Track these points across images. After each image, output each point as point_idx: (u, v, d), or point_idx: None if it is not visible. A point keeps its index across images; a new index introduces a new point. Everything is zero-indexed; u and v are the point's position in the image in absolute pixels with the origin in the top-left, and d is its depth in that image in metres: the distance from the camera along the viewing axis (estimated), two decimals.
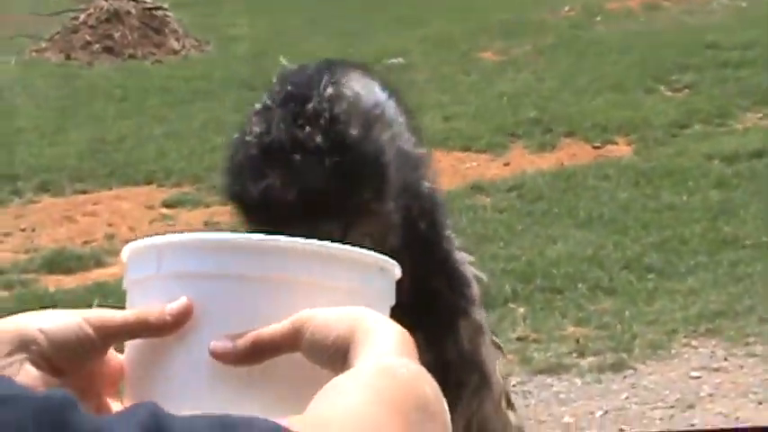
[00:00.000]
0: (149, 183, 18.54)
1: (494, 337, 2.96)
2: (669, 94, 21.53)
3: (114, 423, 1.14)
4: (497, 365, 2.94)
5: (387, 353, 1.53)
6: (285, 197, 2.41)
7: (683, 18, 29.17)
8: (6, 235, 16.45)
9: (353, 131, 2.44)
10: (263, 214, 2.46)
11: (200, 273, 1.70)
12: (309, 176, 2.41)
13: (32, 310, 1.67)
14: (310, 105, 2.33)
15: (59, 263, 15.06)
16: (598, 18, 29.95)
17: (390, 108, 2.71)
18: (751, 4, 30.11)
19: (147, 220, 16.66)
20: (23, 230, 16.67)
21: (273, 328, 1.61)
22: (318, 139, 2.30)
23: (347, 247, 1.76)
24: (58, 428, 1.08)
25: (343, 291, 1.69)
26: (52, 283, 14.21)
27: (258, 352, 1.61)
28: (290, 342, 1.60)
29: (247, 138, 2.48)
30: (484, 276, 2.95)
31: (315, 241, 1.74)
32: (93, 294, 13.15)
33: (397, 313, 2.51)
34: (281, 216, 2.42)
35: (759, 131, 18.71)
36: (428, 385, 1.51)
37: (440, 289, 2.82)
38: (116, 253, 15.47)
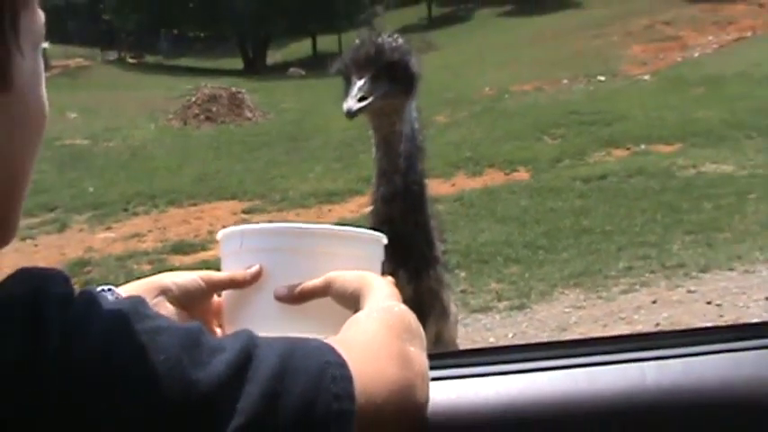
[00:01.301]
0: (234, 198, 18.55)
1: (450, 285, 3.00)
2: (550, 141, 21.49)
3: (228, 341, 1.14)
4: (452, 302, 2.97)
5: (384, 299, 1.57)
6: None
7: (557, 96, 29.21)
8: (149, 232, 16.43)
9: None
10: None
11: (266, 247, 1.77)
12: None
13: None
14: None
15: (181, 248, 15.05)
16: (507, 96, 29.97)
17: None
18: (596, 88, 30.30)
19: (232, 222, 16.62)
20: (159, 229, 16.66)
21: (313, 282, 1.67)
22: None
23: (357, 229, 1.83)
24: (196, 346, 1.07)
25: (354, 256, 1.75)
26: (176, 261, 14.18)
27: (303, 296, 1.66)
28: (323, 291, 1.65)
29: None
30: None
31: (335, 226, 1.84)
32: (201, 267, 13.12)
33: (394, 257, 2.58)
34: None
35: (603, 164, 18.73)
36: (412, 317, 1.55)
37: (419, 243, 2.83)
38: (214, 242, 15.48)
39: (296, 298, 1.67)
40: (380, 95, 2.83)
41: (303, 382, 1.14)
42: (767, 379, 1.56)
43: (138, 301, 1.15)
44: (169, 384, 1.02)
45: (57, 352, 0.97)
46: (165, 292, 1.69)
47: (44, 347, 0.96)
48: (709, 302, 10.26)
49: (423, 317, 2.77)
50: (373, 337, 1.44)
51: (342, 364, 1.22)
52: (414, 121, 2.96)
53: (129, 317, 1.06)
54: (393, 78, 2.86)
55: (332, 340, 1.38)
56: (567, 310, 10.73)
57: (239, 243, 1.80)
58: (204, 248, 15.09)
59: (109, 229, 16.86)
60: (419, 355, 1.46)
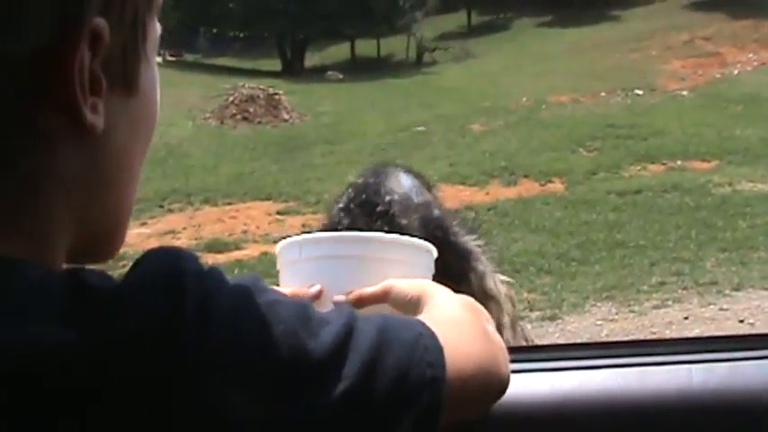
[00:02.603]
0: (269, 199, 18.62)
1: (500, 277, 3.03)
2: (585, 153, 21.47)
3: (333, 314, 1.23)
4: (505, 296, 3.00)
5: (446, 302, 1.59)
6: None
7: (593, 108, 29.12)
8: (184, 229, 16.56)
9: (405, 222, 2.49)
10: None
11: (325, 255, 1.79)
12: None
13: None
14: (379, 209, 2.37)
15: (215, 246, 15.13)
16: (544, 106, 29.90)
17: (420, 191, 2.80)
18: (633, 102, 30.17)
19: (266, 222, 16.71)
20: (194, 227, 16.78)
21: (371, 289, 1.69)
22: (385, 228, 2.36)
23: (409, 237, 1.85)
24: (308, 318, 1.17)
25: (410, 263, 1.77)
26: (210, 259, 14.23)
27: (362, 302, 1.67)
28: (382, 298, 1.67)
29: (338, 227, 2.50)
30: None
31: (392, 234, 1.87)
32: (234, 266, 13.22)
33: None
34: None
35: (638, 178, 18.70)
36: (482, 307, 1.60)
37: (451, 262, 2.86)
38: (248, 242, 15.61)
39: (354, 304, 1.67)
40: None
41: (398, 351, 1.23)
42: None
43: (256, 276, 1.25)
44: (288, 351, 1.12)
45: (195, 323, 1.07)
46: None
47: (186, 320, 1.06)
48: (741, 321, 10.27)
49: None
50: (456, 315, 1.50)
51: (432, 336, 1.30)
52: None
53: (252, 290, 1.16)
54: None
55: (420, 316, 1.45)
56: (598, 322, 10.76)
57: (298, 252, 1.83)
58: (238, 247, 15.17)
59: (144, 224, 16.98)
60: (498, 337, 1.54)
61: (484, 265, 2.99)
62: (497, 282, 3.05)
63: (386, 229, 2.41)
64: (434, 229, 2.91)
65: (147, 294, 1.07)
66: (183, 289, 1.07)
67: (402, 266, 1.76)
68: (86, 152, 1.14)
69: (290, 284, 1.80)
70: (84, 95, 1.09)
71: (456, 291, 2.86)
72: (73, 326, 1.03)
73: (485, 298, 2.96)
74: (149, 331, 1.04)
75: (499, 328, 3.04)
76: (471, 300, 1.60)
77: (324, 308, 1.72)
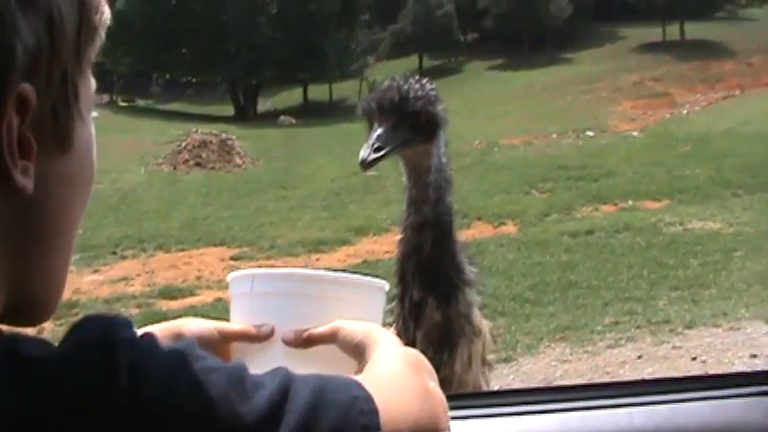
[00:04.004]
0: (222, 245, 18.58)
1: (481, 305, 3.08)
2: (538, 195, 21.62)
3: (267, 377, 1.24)
4: (484, 324, 3.02)
5: (392, 355, 1.59)
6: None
7: (545, 150, 29.37)
8: (137, 275, 16.44)
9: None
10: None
11: (276, 291, 1.78)
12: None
13: (152, 324, 1.74)
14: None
15: (168, 293, 15.05)
16: (496, 149, 30.13)
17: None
18: (585, 143, 30.49)
19: (220, 268, 16.62)
20: (147, 273, 16.67)
21: (321, 329, 1.69)
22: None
23: (361, 276, 1.82)
24: (241, 382, 1.19)
25: (361, 303, 1.77)
26: (164, 305, 14.20)
27: (310, 342, 1.69)
28: (330, 338, 1.68)
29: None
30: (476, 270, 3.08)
31: (344, 273, 1.84)
32: (188, 312, 13.15)
33: (423, 284, 2.82)
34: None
35: (590, 218, 18.84)
36: (425, 359, 1.60)
37: (447, 270, 2.92)
38: (202, 287, 15.53)
39: (303, 342, 1.70)
40: (399, 144, 2.91)
41: (333, 413, 1.24)
42: (748, 425, 1.65)
43: (191, 343, 1.26)
44: (221, 417, 1.13)
45: (127, 392, 1.08)
46: (180, 337, 1.73)
47: (117, 388, 1.07)
48: (694, 358, 10.31)
49: (453, 340, 2.89)
50: (396, 373, 1.50)
51: (368, 398, 1.31)
52: (442, 155, 3.02)
53: (186, 357, 1.17)
54: (415, 126, 2.92)
55: (358, 376, 1.45)
56: (552, 363, 10.77)
57: (249, 286, 1.82)
58: (192, 293, 15.09)
59: (97, 271, 16.86)
60: (439, 391, 1.55)
61: (473, 295, 3.02)
62: (482, 318, 3.08)
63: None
64: (446, 222, 2.97)
65: (81, 363, 1.09)
66: (115, 358, 1.09)
67: (354, 307, 1.75)
68: (17, 214, 1.14)
69: (239, 318, 1.81)
70: (13, 159, 1.10)
71: (437, 304, 2.94)
72: (10, 392, 1.03)
73: (471, 330, 2.98)
74: (84, 400, 1.05)
75: (479, 365, 3.07)
76: (415, 353, 1.61)
77: (273, 346, 1.73)
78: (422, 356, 1.60)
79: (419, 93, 2.93)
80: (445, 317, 2.90)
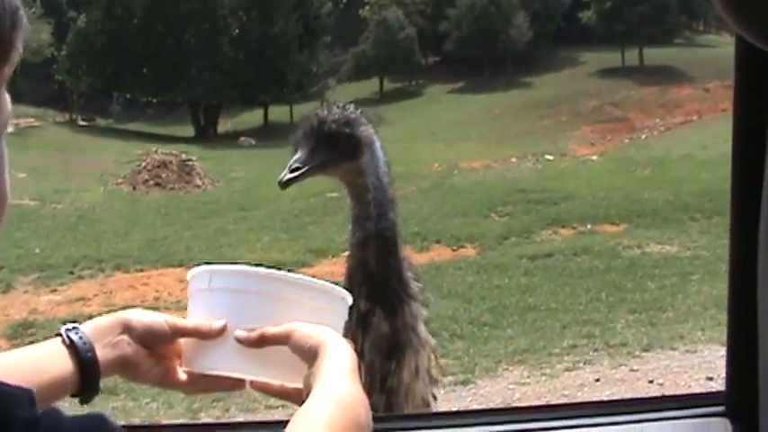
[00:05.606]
0: (181, 265, 18.43)
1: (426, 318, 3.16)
2: (497, 218, 21.65)
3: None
4: (429, 338, 3.11)
5: (341, 366, 1.58)
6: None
7: (505, 173, 29.48)
8: (95, 296, 16.30)
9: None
10: None
11: (233, 288, 1.77)
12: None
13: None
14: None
15: None
16: (455, 172, 30.20)
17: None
18: (544, 167, 30.63)
19: (178, 289, 16.51)
20: (105, 293, 16.54)
21: (274, 329, 1.67)
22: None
23: (324, 282, 1.81)
24: None
25: (320, 308, 1.75)
26: None
27: (263, 341, 1.67)
28: (283, 340, 1.66)
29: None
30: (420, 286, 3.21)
31: (307, 277, 1.81)
32: None
33: (370, 295, 2.94)
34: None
35: (549, 242, 18.90)
36: (363, 408, 1.54)
37: (393, 283, 3.07)
38: (160, 308, 15.40)
39: (256, 342, 1.68)
40: (318, 164, 3.11)
41: None
42: None
43: (101, 416, 1.23)
44: None
45: None
46: (129, 330, 1.74)
47: None
48: (651, 381, 10.37)
49: (400, 350, 3.01)
50: (335, 399, 1.49)
51: None
52: (381, 174, 3.21)
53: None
54: (334, 147, 3.12)
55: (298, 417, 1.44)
56: (511, 386, 10.77)
57: (207, 281, 1.81)
58: None
59: (54, 291, 16.71)
60: (369, 417, 1.52)
61: (419, 308, 3.12)
62: (427, 332, 3.17)
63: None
64: (383, 229, 3.08)
65: None
66: None
67: (312, 311, 1.74)
68: None
69: (195, 313, 1.80)
70: None
71: (384, 315, 3.03)
72: None
73: (417, 341, 3.07)
74: None
75: (426, 378, 3.16)
76: (352, 403, 1.55)
77: (225, 343, 1.72)
78: (358, 407, 1.54)
79: (337, 116, 3.14)
80: (392, 327, 3.04)
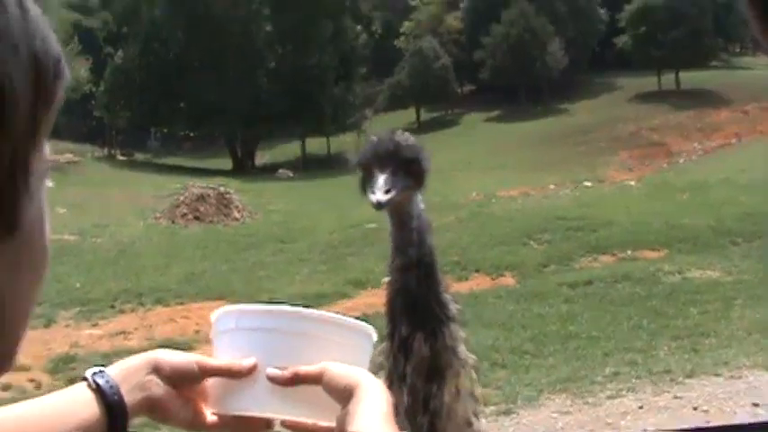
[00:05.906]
0: (221, 299, 18.50)
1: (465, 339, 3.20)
2: (536, 246, 21.59)
3: None
4: (468, 355, 3.14)
5: (377, 417, 1.57)
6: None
7: (543, 201, 29.43)
8: (135, 329, 16.40)
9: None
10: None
11: (261, 327, 1.75)
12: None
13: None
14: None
15: (166, 347, 14.95)
16: (493, 200, 30.20)
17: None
18: (582, 194, 30.51)
19: None
20: (145, 327, 16.64)
21: (307, 368, 1.66)
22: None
23: (350, 319, 1.79)
24: None
25: (346, 345, 1.74)
26: None
27: (296, 380, 1.66)
28: (316, 379, 1.64)
29: None
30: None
31: (332, 313, 1.80)
32: None
33: (410, 320, 3.00)
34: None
35: (589, 269, 18.84)
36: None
37: (433, 306, 3.06)
38: (201, 342, 15.46)
39: (289, 381, 1.67)
40: (402, 188, 3.11)
41: None
42: None
43: None
44: None
45: None
46: (157, 370, 1.72)
47: None
48: (695, 408, 10.27)
49: (441, 372, 3.03)
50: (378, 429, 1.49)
51: None
52: (420, 202, 3.24)
53: None
54: (409, 173, 3.15)
55: None
56: (553, 415, 10.71)
57: (234, 322, 1.79)
58: (190, 348, 15.02)
59: (95, 325, 16.82)
60: None
61: (458, 330, 3.16)
62: (467, 352, 3.20)
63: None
64: (423, 255, 3.15)
65: None
66: None
67: (340, 348, 1.73)
68: None
69: (222, 354, 1.78)
70: None
71: (425, 338, 3.07)
72: None
73: (458, 362, 3.10)
74: None
75: (467, 398, 3.19)
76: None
77: (256, 382, 1.71)
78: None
79: (410, 143, 3.21)
80: (433, 350, 3.04)
